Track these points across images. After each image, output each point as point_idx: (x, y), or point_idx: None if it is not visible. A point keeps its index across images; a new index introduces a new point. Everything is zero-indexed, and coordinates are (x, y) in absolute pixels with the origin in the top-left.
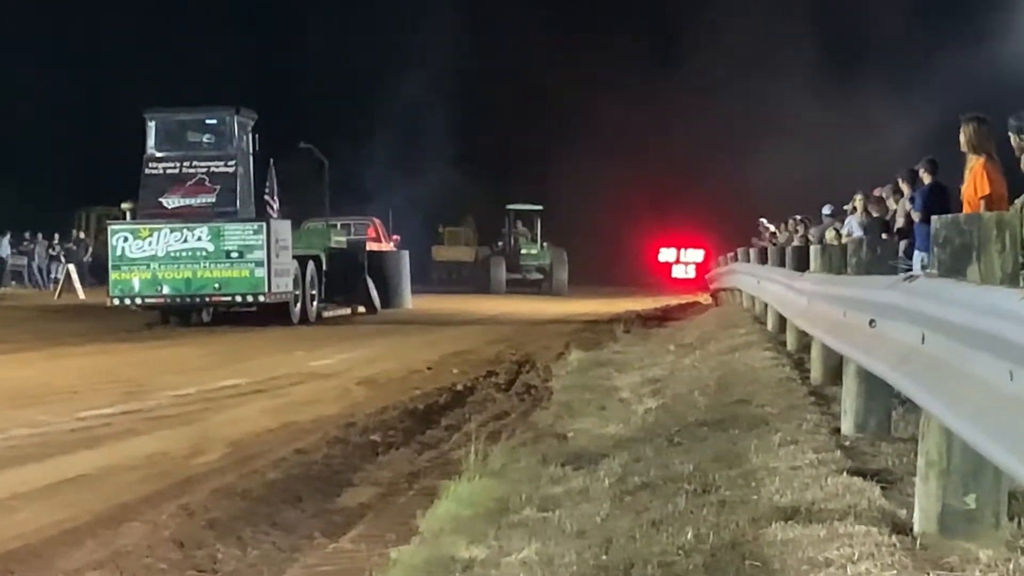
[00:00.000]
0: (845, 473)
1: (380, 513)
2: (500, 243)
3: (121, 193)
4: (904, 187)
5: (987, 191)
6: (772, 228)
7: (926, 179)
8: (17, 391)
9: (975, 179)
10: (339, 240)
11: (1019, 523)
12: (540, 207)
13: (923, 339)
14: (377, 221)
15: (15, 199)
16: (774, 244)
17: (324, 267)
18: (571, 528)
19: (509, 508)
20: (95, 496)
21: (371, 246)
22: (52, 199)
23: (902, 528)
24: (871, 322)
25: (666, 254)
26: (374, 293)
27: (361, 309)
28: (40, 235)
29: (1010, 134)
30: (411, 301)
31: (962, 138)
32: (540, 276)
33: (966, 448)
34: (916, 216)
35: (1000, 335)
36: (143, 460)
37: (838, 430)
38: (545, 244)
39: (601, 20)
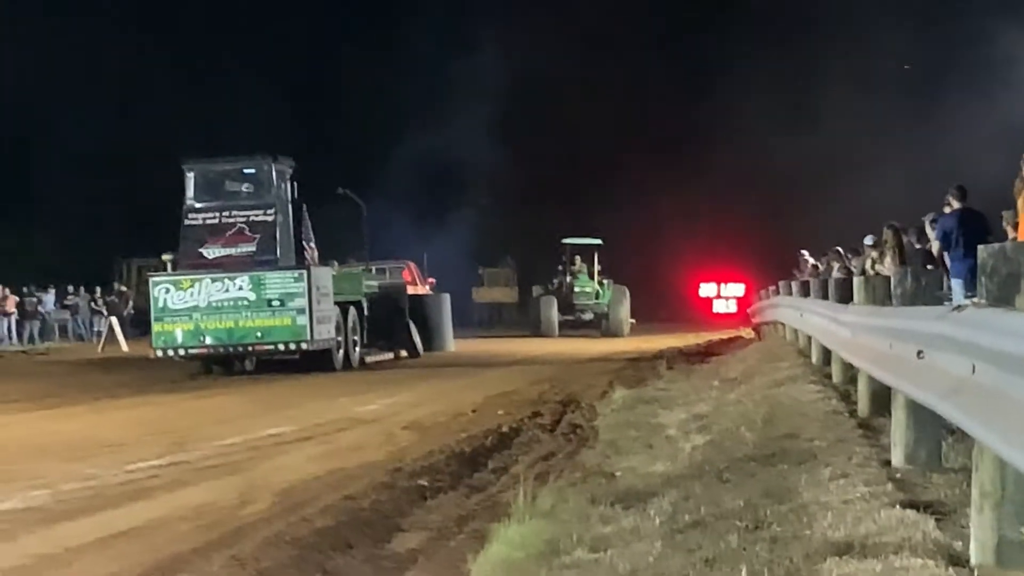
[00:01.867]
0: (898, 506)
1: (431, 557)
2: (556, 280)
3: (161, 243)
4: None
5: None
6: (812, 261)
7: (954, 205)
8: (65, 444)
9: None
10: (371, 284)
11: None
12: (599, 241)
13: (973, 369)
14: (412, 264)
15: (55, 252)
16: (816, 277)
17: (365, 312)
18: (624, 568)
19: (560, 549)
20: (146, 548)
21: (408, 289)
22: (92, 251)
23: (959, 560)
24: (919, 353)
25: (706, 289)
26: (416, 337)
27: (404, 353)
28: (83, 288)
29: None
30: (453, 344)
31: None
32: (593, 316)
33: (1020, 478)
34: (935, 245)
35: None
36: (192, 511)
37: (888, 462)
38: (605, 281)
39: (638, 57)
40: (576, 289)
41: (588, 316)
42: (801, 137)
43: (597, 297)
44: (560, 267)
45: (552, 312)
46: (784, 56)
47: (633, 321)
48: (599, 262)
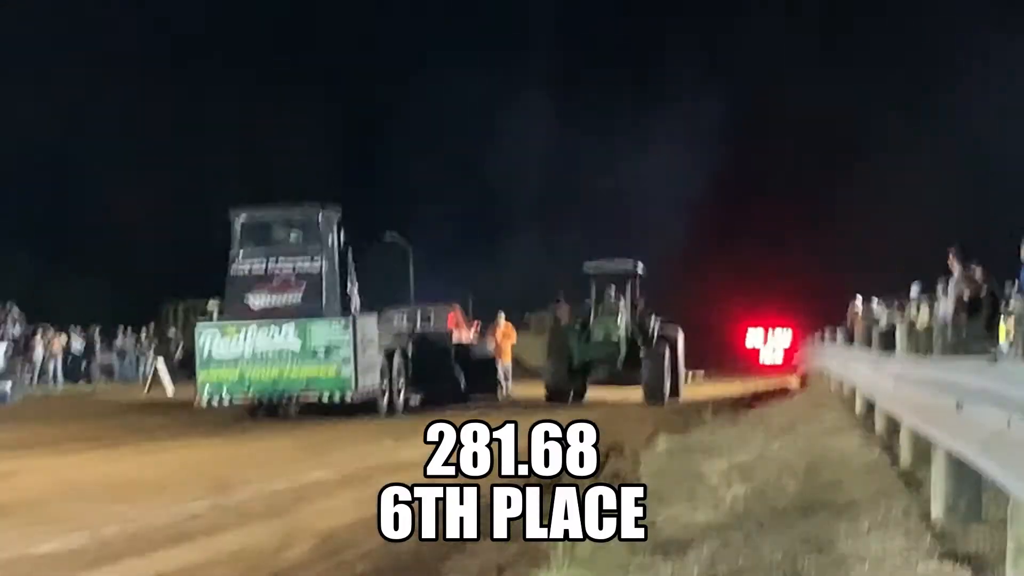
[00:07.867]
0: (936, 557)
1: None
2: (578, 323)
3: (206, 285)
4: None
5: None
6: (860, 309)
7: None
8: (107, 486)
9: None
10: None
11: None
12: (638, 267)
13: (1009, 423)
14: (458, 307)
15: (102, 292)
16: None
17: (411, 356)
18: None
19: None
20: None
21: (453, 333)
22: (138, 292)
23: None
24: (958, 405)
25: (753, 337)
26: (462, 382)
27: (450, 397)
28: (130, 329)
29: None
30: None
31: None
32: (621, 370)
33: None
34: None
35: None
36: (232, 555)
37: (928, 514)
38: (650, 321)
39: (683, 95)
40: (595, 338)
41: (616, 368)
42: (857, 179)
43: (630, 344)
44: (589, 300)
45: (559, 374)
46: (838, 92)
47: (701, 372)
48: (639, 295)
